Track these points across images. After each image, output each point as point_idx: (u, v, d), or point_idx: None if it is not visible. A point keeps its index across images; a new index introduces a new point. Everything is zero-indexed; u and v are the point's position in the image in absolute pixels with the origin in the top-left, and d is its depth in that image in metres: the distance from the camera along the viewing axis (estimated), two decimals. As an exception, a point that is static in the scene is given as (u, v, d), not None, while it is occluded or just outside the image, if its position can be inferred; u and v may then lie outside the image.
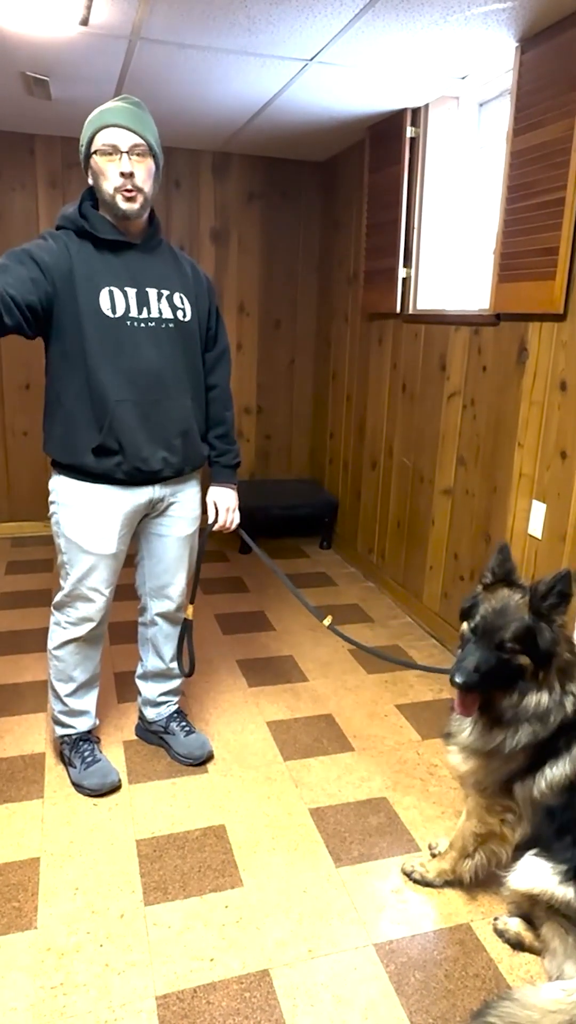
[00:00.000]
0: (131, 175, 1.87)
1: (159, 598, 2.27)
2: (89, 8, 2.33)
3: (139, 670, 2.42)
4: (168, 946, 1.70)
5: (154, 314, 1.98)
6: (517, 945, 1.72)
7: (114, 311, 1.92)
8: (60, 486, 2.05)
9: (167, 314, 2.00)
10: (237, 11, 2.31)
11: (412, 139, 3.29)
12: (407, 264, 3.44)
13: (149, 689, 2.41)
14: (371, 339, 3.93)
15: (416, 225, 3.38)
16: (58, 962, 1.65)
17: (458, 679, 1.57)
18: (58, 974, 1.62)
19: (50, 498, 2.08)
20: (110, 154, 1.86)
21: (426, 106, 3.23)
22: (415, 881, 1.91)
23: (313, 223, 4.58)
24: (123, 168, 1.86)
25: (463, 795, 1.87)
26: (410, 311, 3.48)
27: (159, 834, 2.05)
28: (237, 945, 1.71)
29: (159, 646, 2.34)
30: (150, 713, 2.42)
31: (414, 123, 3.28)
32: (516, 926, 1.74)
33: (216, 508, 2.24)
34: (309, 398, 4.88)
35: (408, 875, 1.92)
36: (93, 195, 1.97)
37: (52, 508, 2.08)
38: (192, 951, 1.69)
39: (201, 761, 2.35)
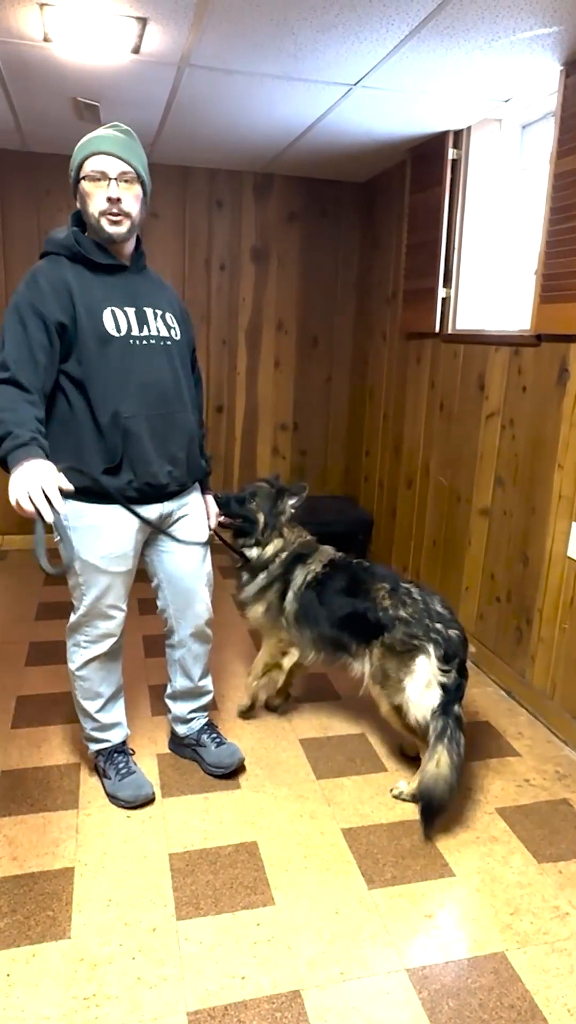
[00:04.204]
0: (118, 200, 1.93)
1: (186, 618, 2.28)
2: (141, 37, 2.40)
3: (168, 689, 2.44)
4: (200, 962, 1.70)
5: (152, 332, 2.03)
6: (400, 796, 2.30)
7: (118, 330, 1.97)
8: (71, 510, 2.02)
9: (163, 332, 2.06)
10: (284, 38, 2.36)
11: (454, 161, 3.31)
12: (447, 284, 3.45)
13: (179, 708, 2.43)
14: (409, 358, 3.94)
15: (456, 246, 3.39)
16: (91, 973, 1.66)
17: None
18: (91, 985, 1.63)
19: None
20: (98, 180, 1.93)
21: (468, 128, 3.25)
22: (241, 715, 2.70)
23: (352, 242, 4.61)
24: (111, 194, 1.92)
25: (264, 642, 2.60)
26: (449, 331, 3.48)
27: (191, 848, 2.06)
28: (269, 964, 1.70)
29: (188, 667, 2.35)
30: (181, 729, 2.44)
31: (456, 145, 3.30)
32: (404, 786, 2.30)
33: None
34: (345, 415, 4.90)
35: (242, 714, 2.71)
36: (78, 221, 2.03)
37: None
38: (224, 968, 1.68)
39: (232, 770, 2.35)
